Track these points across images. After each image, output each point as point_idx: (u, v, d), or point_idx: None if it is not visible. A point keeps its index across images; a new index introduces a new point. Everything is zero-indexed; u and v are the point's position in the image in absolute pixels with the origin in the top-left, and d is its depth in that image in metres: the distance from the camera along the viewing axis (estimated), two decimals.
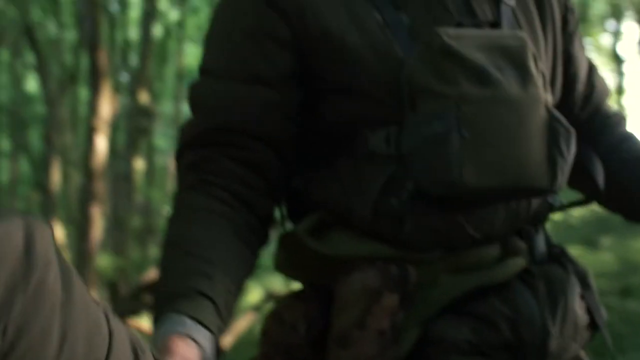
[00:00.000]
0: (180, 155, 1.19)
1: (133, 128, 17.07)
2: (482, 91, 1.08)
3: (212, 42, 1.21)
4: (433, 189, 1.08)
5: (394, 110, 1.11)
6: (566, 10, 1.32)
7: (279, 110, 1.15)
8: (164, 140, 25.28)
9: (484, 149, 1.07)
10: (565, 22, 1.31)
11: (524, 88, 1.11)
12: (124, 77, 19.78)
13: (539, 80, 1.13)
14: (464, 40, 1.10)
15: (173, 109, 22.44)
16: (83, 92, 18.19)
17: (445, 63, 1.08)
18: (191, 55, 24.35)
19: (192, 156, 1.16)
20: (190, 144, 1.17)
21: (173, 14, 21.03)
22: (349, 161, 1.16)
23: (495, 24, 1.18)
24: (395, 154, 1.11)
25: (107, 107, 14.49)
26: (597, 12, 22.30)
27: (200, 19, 22.65)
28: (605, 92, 1.39)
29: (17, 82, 19.21)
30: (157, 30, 19.08)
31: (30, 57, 17.66)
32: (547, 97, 1.15)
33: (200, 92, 1.19)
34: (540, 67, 1.15)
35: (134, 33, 19.71)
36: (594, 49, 23.32)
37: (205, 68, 1.20)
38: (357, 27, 1.13)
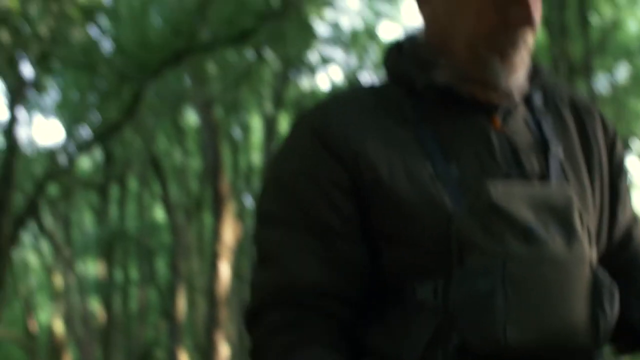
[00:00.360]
0: (259, 315, 1.18)
1: None
2: (528, 249, 1.10)
3: (275, 187, 1.21)
4: (477, 345, 1.09)
5: (442, 262, 1.12)
6: (613, 149, 1.32)
7: (350, 264, 1.16)
8: None
9: (528, 308, 1.08)
10: (611, 160, 1.31)
11: (570, 247, 1.12)
12: (249, 201, 20.01)
13: (584, 238, 1.14)
14: (512, 196, 1.12)
15: None
16: (208, 218, 18.45)
17: (492, 219, 1.10)
18: None
19: (282, 316, 1.16)
20: (272, 304, 1.17)
21: None
22: (397, 310, 1.16)
23: (543, 177, 1.19)
24: (442, 306, 1.12)
25: (229, 233, 14.58)
26: None
27: None
28: None
29: (144, 211, 19.79)
30: None
31: (156, 187, 18.17)
32: (592, 255, 1.15)
33: (270, 242, 1.18)
34: (586, 222, 1.16)
35: (256, 157, 20.09)
36: None
37: (270, 214, 1.20)
38: (408, 177, 1.15)
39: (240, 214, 18.12)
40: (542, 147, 1.23)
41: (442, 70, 1.20)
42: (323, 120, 1.20)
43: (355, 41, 19.72)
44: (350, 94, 1.27)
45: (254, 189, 19.37)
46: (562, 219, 1.13)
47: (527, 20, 1.18)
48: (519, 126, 1.23)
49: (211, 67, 14.96)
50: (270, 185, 1.22)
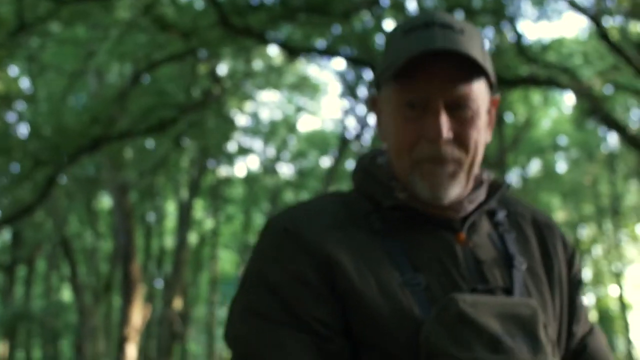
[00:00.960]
0: None
1: (166, 334, 16.95)
2: (495, 358, 1.13)
3: (256, 285, 1.20)
4: None
5: None
6: (572, 264, 1.37)
7: (339, 358, 1.15)
8: (197, 345, 24.96)
9: None
10: (570, 275, 1.36)
11: (534, 356, 1.16)
12: (159, 284, 19.93)
13: (548, 347, 1.18)
14: (480, 307, 1.16)
15: (207, 314, 22.38)
16: (117, 300, 18.29)
17: (461, 329, 1.14)
18: (225, 261, 24.59)
19: None
20: None
21: (208, 223, 21.45)
22: None
23: (507, 290, 1.25)
24: None
25: (138, 316, 14.52)
26: (630, 204, 22.25)
27: (234, 226, 23.08)
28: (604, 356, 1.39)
29: (50, 292, 19.41)
30: (192, 238, 19.37)
31: (65, 269, 17.96)
32: None
33: (254, 338, 1.16)
34: (549, 333, 1.21)
35: (169, 241, 20.07)
36: (630, 239, 23.05)
37: (254, 311, 1.18)
38: (378, 286, 1.18)
39: (150, 297, 18.03)
40: (506, 262, 1.28)
41: (400, 192, 1.26)
42: (294, 223, 1.23)
43: (274, 132, 20.18)
44: (318, 204, 1.29)
45: (165, 273, 19.35)
46: (528, 329, 1.17)
47: (437, 134, 1.20)
48: (483, 241, 1.28)
49: (128, 153, 15.09)
50: (249, 283, 1.21)
